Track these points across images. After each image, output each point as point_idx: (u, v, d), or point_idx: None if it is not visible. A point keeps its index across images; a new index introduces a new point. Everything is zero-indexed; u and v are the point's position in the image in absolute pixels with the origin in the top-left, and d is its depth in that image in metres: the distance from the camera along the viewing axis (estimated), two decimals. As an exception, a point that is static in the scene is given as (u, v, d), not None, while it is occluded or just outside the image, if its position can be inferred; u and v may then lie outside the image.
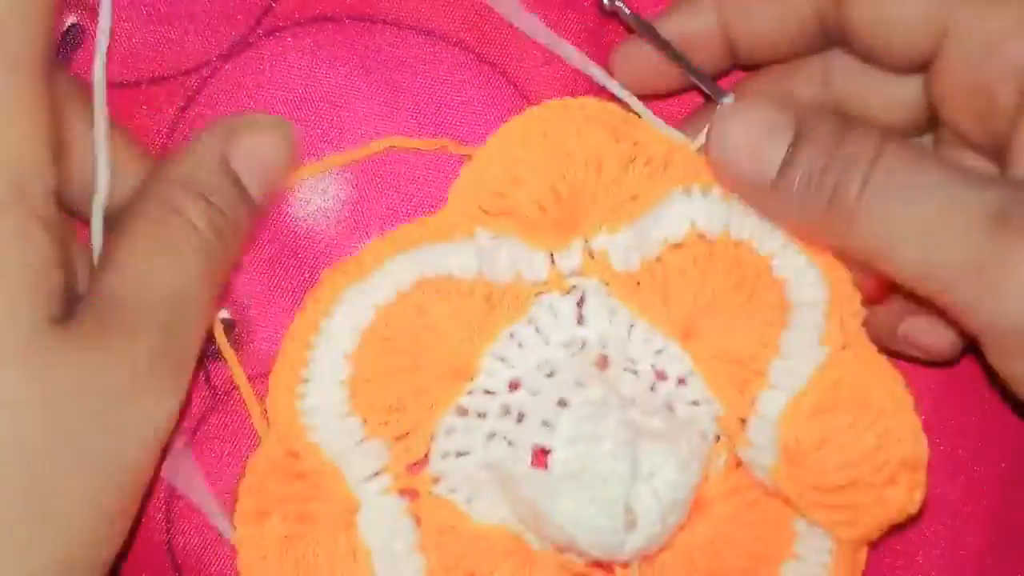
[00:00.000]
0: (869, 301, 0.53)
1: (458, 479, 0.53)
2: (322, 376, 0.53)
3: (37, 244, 0.43)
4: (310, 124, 0.57)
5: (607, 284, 0.53)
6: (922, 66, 0.52)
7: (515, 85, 0.58)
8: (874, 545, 0.55)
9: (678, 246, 0.52)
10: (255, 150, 0.50)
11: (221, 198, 0.49)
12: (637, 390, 0.54)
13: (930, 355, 0.55)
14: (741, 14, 0.54)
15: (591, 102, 0.54)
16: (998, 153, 0.51)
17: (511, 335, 0.53)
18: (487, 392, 0.53)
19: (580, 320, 0.54)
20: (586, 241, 0.53)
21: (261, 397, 0.54)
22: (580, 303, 0.54)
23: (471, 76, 0.58)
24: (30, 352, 0.43)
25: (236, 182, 0.50)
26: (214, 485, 0.55)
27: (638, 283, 0.53)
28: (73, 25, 0.56)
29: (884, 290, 0.53)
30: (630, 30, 0.56)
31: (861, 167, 0.48)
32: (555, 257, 0.53)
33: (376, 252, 0.53)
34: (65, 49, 0.56)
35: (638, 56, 0.56)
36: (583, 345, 0.54)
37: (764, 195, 0.50)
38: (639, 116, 0.54)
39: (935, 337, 0.54)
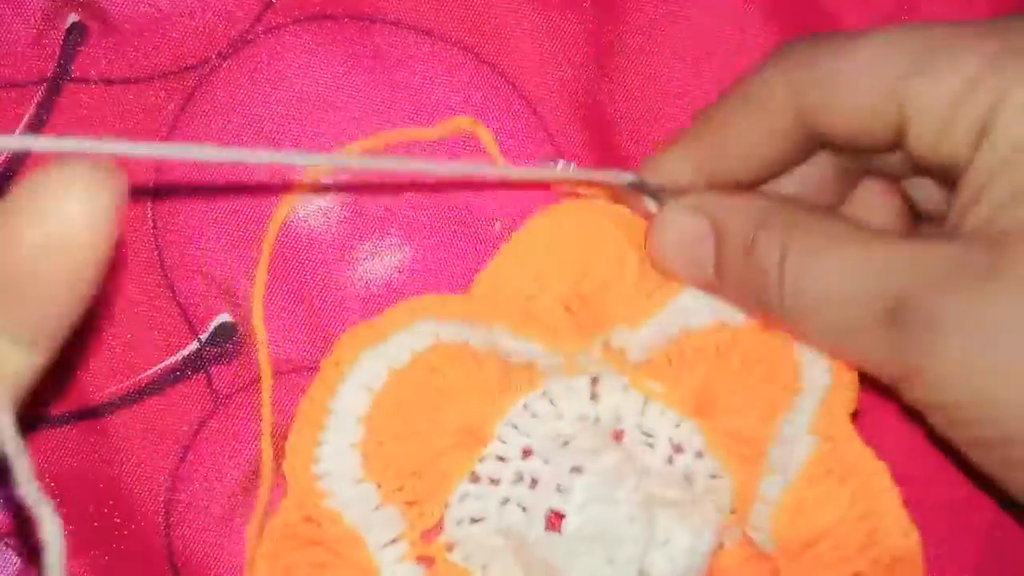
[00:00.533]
0: None
1: (473, 546, 0.53)
2: (336, 440, 0.52)
3: None
4: (308, 122, 0.57)
5: (627, 377, 0.54)
6: (899, 141, 0.51)
7: (515, 85, 0.58)
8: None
9: (699, 334, 0.53)
10: None
11: None
12: (654, 462, 0.54)
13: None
14: (716, 162, 0.53)
15: (604, 204, 0.55)
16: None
17: (525, 406, 0.53)
18: (500, 459, 0.53)
19: (593, 396, 0.54)
20: (603, 339, 0.53)
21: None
22: (594, 382, 0.54)
23: (471, 76, 0.58)
24: None
25: None
26: (214, 488, 0.55)
27: (651, 365, 0.53)
28: (75, 24, 0.56)
29: None
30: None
31: (776, 240, 0.49)
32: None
33: (394, 318, 0.53)
34: (67, 48, 0.56)
35: None
36: (597, 419, 0.54)
37: (713, 291, 0.52)
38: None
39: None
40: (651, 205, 0.54)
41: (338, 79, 0.57)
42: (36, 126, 0.56)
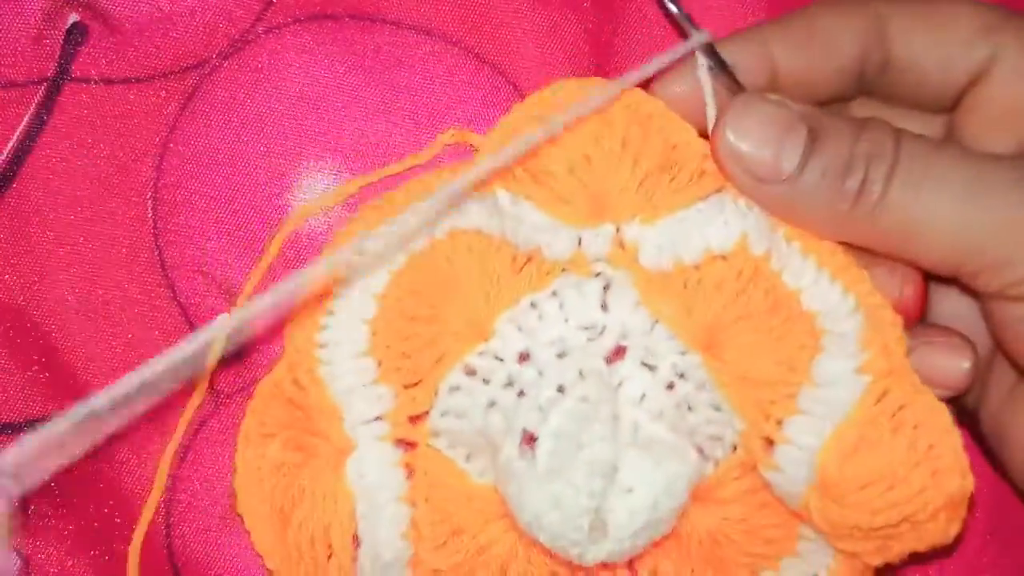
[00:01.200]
0: (908, 321, 0.52)
1: (456, 436, 0.53)
2: (349, 312, 0.53)
3: None
4: (308, 122, 0.57)
5: (635, 279, 0.52)
6: (957, 97, 0.54)
7: (515, 85, 0.58)
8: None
9: (722, 257, 0.51)
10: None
11: None
12: (651, 388, 0.52)
13: (943, 386, 0.52)
14: (790, 52, 0.54)
15: (638, 93, 0.52)
16: None
17: (532, 304, 0.52)
18: (497, 358, 0.52)
19: (604, 306, 0.52)
20: (617, 229, 0.51)
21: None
22: (606, 289, 0.53)
23: (471, 76, 0.58)
24: None
25: None
26: (214, 488, 0.55)
27: (667, 284, 0.52)
28: (76, 23, 0.56)
29: (921, 307, 0.53)
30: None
31: (884, 162, 0.49)
32: (582, 239, 0.52)
33: (408, 192, 0.53)
34: (68, 48, 0.56)
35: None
36: (603, 330, 0.52)
37: (778, 191, 0.50)
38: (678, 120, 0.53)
39: (946, 366, 0.53)
40: (708, 92, 0.52)
41: (338, 79, 0.57)
42: (37, 126, 0.56)
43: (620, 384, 0.52)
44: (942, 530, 0.50)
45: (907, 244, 0.50)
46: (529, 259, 0.52)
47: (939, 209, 0.49)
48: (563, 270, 0.52)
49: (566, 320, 0.52)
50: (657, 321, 0.52)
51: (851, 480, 0.49)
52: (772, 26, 0.54)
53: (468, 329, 0.52)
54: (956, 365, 0.52)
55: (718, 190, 0.51)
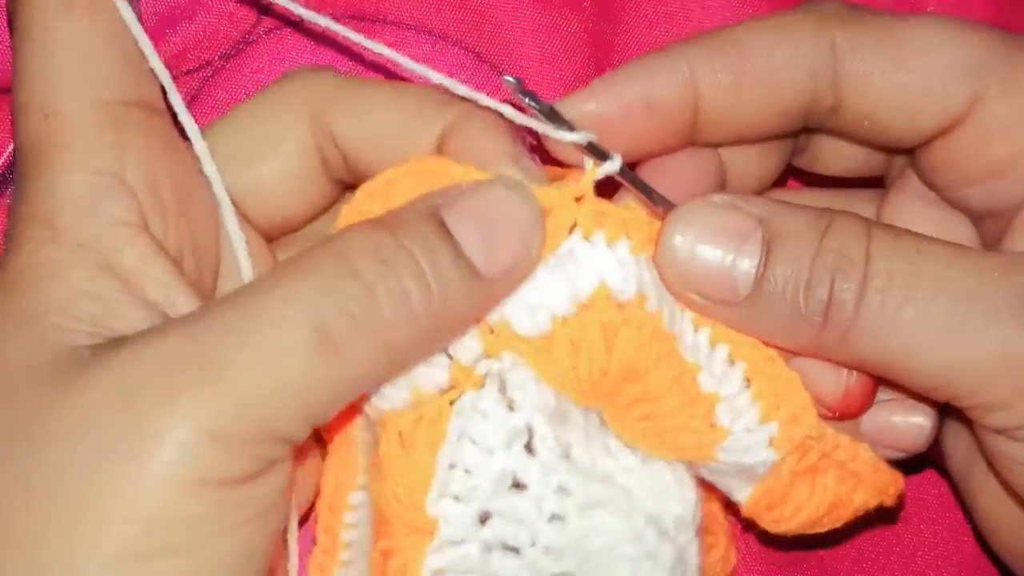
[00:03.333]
0: (849, 414, 0.48)
1: None
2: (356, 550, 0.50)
3: (61, 275, 0.42)
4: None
5: (520, 355, 0.46)
6: (920, 143, 0.48)
7: (515, 85, 0.58)
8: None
9: (585, 306, 0.45)
10: (483, 209, 0.43)
11: (423, 250, 0.42)
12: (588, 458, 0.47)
13: (900, 449, 0.49)
14: (717, 88, 0.47)
15: (434, 162, 0.47)
16: (984, 217, 0.49)
17: (451, 465, 0.45)
18: (454, 543, 0.45)
19: (511, 406, 0.46)
20: (477, 320, 0.46)
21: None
22: (502, 389, 0.46)
23: (471, 76, 0.58)
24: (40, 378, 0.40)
25: (442, 230, 0.42)
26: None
27: (553, 345, 0.46)
28: None
29: (869, 400, 0.48)
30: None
31: (854, 271, 0.43)
32: (451, 353, 0.46)
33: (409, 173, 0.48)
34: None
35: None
36: (530, 434, 0.46)
37: (736, 312, 0.44)
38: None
39: (903, 424, 0.49)
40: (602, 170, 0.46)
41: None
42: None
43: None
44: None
45: (886, 371, 0.44)
46: (417, 420, 0.46)
47: (922, 338, 0.42)
48: (451, 403, 0.46)
49: (491, 451, 0.45)
50: (558, 393, 0.47)
51: (785, 518, 0.49)
52: (697, 49, 0.47)
53: (411, 531, 0.45)
54: (915, 424, 0.48)
55: (569, 231, 0.46)
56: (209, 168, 0.47)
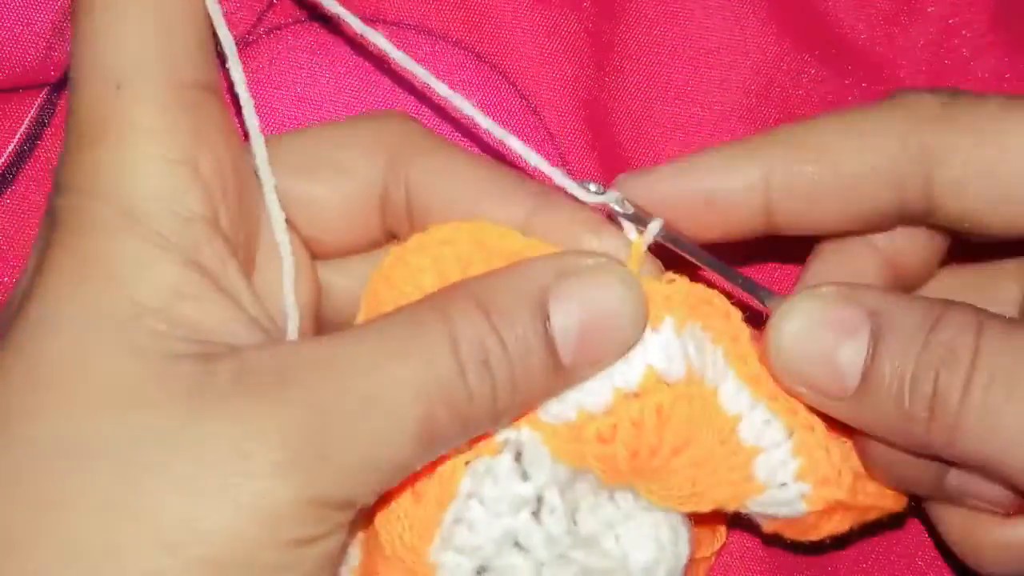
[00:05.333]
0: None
1: None
2: None
3: (151, 273, 0.41)
4: (309, 122, 0.57)
5: (539, 433, 0.46)
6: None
7: (515, 85, 0.58)
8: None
9: (634, 395, 0.45)
10: (590, 301, 0.43)
11: (516, 338, 0.42)
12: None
13: (989, 504, 0.47)
14: (793, 192, 0.45)
15: (495, 230, 0.47)
16: None
17: (456, 520, 0.46)
18: None
19: (524, 476, 0.46)
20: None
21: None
22: (518, 457, 0.46)
23: (471, 76, 0.58)
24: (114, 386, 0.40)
25: (543, 327, 0.42)
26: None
27: (577, 434, 0.46)
28: None
29: None
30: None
31: (960, 365, 0.41)
32: None
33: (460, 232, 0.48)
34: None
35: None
36: (540, 503, 0.46)
37: (845, 406, 0.44)
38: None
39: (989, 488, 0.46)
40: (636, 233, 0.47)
41: (338, 79, 0.57)
42: (38, 128, 0.56)
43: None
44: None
45: (990, 470, 0.42)
46: (429, 476, 0.46)
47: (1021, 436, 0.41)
48: (467, 463, 0.46)
49: (497, 515, 0.46)
50: (576, 470, 0.47)
51: (805, 538, 0.50)
52: (772, 147, 0.46)
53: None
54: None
55: None
56: (262, 163, 0.46)
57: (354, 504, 0.41)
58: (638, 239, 0.47)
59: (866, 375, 0.42)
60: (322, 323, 0.50)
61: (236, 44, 0.56)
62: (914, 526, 0.57)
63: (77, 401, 0.39)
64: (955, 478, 0.46)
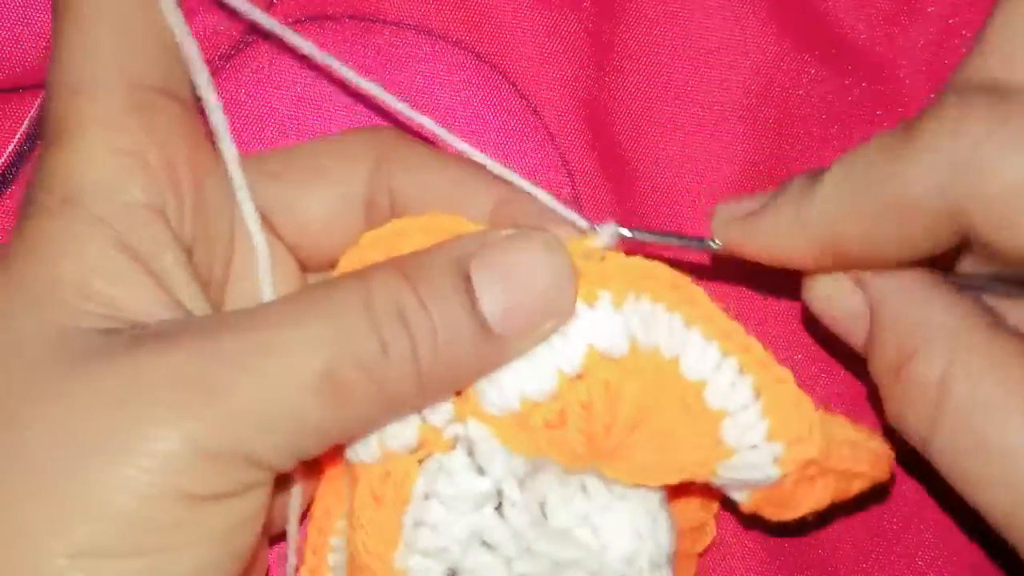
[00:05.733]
0: None
1: None
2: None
3: (75, 250, 0.42)
4: (309, 122, 0.57)
5: (486, 426, 0.45)
6: None
7: (515, 85, 0.58)
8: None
9: (578, 377, 0.45)
10: (512, 266, 0.43)
11: (435, 299, 0.42)
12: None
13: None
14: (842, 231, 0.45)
15: (448, 219, 0.47)
16: None
17: (416, 524, 0.45)
18: None
19: (480, 470, 0.45)
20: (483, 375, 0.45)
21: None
22: (471, 453, 0.46)
23: (471, 76, 0.58)
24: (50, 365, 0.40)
25: (464, 292, 0.42)
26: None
27: (523, 423, 0.45)
28: None
29: None
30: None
31: (931, 380, 0.44)
32: (423, 412, 0.46)
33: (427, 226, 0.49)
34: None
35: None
36: (500, 496, 0.45)
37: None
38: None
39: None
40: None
41: (336, 81, 0.57)
42: (38, 128, 0.56)
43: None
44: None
45: (960, 474, 0.44)
46: (385, 478, 0.46)
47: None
48: (420, 461, 0.46)
49: (460, 513, 0.45)
50: (538, 460, 0.46)
51: (785, 515, 0.49)
52: (833, 199, 0.44)
53: None
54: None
55: None
56: (231, 158, 0.47)
57: (262, 463, 0.41)
58: (580, 238, 0.47)
59: (868, 346, 0.46)
60: None
61: (236, 44, 0.57)
62: (914, 526, 0.57)
63: None
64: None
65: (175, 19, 0.45)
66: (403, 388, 0.42)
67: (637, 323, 0.45)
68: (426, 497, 0.45)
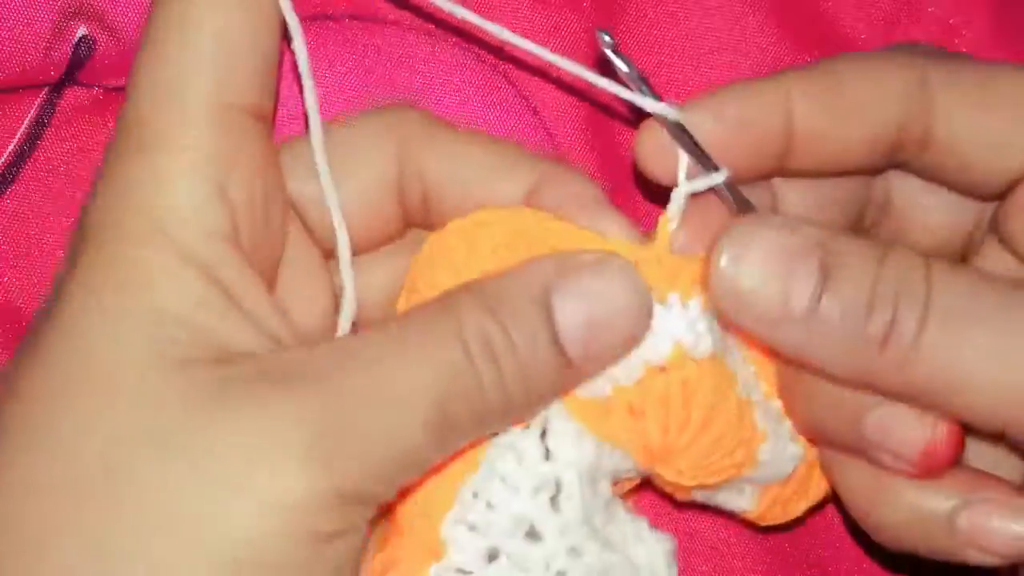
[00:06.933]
0: (931, 473, 0.46)
1: None
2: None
3: (175, 282, 0.42)
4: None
5: (570, 409, 0.47)
6: (1006, 188, 0.48)
7: (515, 85, 0.58)
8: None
9: (661, 369, 0.46)
10: (592, 297, 0.44)
11: (521, 334, 0.43)
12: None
13: (995, 555, 0.46)
14: (814, 110, 0.48)
15: (531, 213, 0.48)
16: None
17: (475, 495, 0.46)
18: (461, 572, 0.46)
19: (547, 455, 0.46)
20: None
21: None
22: (543, 435, 0.46)
23: (471, 76, 0.58)
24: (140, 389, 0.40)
25: (547, 323, 0.43)
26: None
27: (608, 409, 0.47)
28: (84, 37, 0.56)
29: (957, 449, 0.46)
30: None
31: (916, 302, 0.43)
32: None
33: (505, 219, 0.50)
34: (75, 59, 0.56)
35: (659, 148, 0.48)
36: (558, 487, 0.46)
37: (787, 333, 0.44)
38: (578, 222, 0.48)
39: (1002, 529, 0.46)
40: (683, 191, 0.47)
41: (338, 79, 0.57)
42: (39, 128, 0.56)
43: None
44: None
45: (944, 398, 0.43)
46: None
47: (984, 361, 0.42)
48: (492, 434, 0.46)
49: (516, 492, 0.46)
50: (602, 443, 0.47)
51: (790, 512, 0.51)
52: (795, 75, 0.48)
53: (421, 550, 0.46)
54: (1014, 531, 0.45)
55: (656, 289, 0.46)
56: (330, 193, 0.48)
57: (374, 499, 0.42)
58: (664, 218, 0.48)
59: (815, 298, 0.43)
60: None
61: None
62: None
63: (99, 407, 0.40)
64: (875, 422, 0.45)
65: (295, 30, 0.46)
66: (494, 416, 0.43)
67: (716, 327, 0.46)
68: (490, 470, 0.46)
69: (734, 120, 0.48)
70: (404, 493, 0.46)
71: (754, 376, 0.48)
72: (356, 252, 0.49)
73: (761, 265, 0.43)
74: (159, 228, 0.42)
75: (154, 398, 0.40)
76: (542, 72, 0.58)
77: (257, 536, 0.39)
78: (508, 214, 0.48)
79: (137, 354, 0.40)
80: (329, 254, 0.50)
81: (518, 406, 0.44)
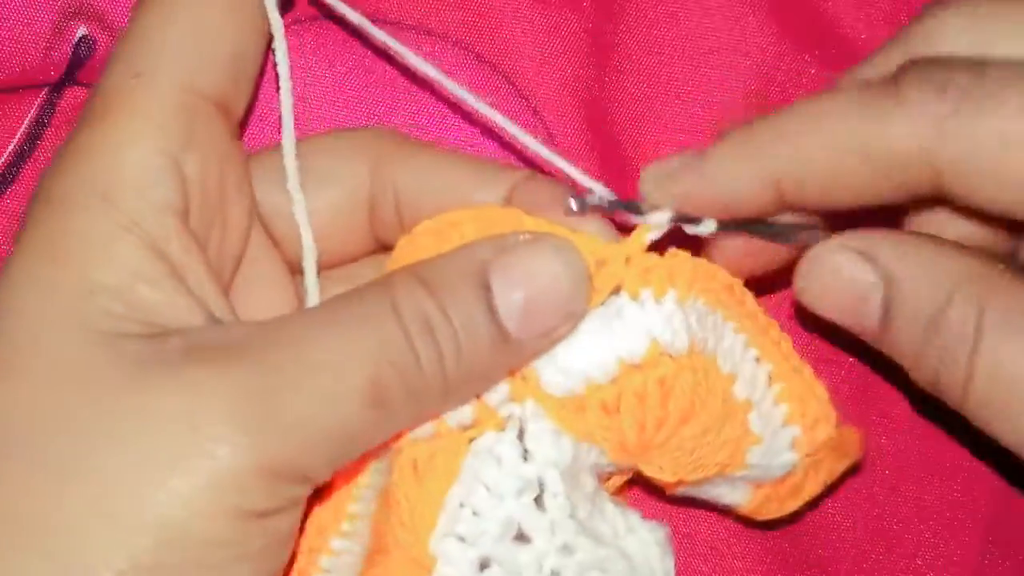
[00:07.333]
0: None
1: None
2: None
3: (113, 253, 0.42)
4: (309, 123, 0.57)
5: (544, 407, 0.46)
6: None
7: (515, 85, 0.58)
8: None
9: (636, 367, 0.46)
10: (529, 273, 0.44)
11: (457, 310, 0.43)
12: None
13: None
14: (805, 172, 0.45)
15: (502, 211, 0.48)
16: None
17: (460, 504, 0.45)
18: None
19: (525, 456, 0.46)
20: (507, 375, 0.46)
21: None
22: (521, 436, 0.46)
23: (471, 76, 0.58)
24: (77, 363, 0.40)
25: (484, 300, 0.43)
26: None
27: (582, 407, 0.46)
28: (84, 37, 0.56)
29: None
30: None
31: (966, 337, 0.43)
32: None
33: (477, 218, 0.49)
34: (75, 59, 0.56)
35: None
36: (541, 487, 0.46)
37: (876, 340, 0.46)
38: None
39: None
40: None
41: (339, 79, 0.57)
42: (39, 128, 0.57)
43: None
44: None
45: (996, 426, 0.44)
46: (431, 453, 0.46)
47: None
48: (470, 440, 0.46)
49: (501, 498, 0.45)
50: (579, 443, 0.47)
51: (784, 509, 0.51)
52: (776, 144, 0.45)
53: (411, 566, 0.45)
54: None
55: (615, 291, 0.46)
56: (296, 199, 0.48)
57: (309, 477, 0.41)
58: (641, 228, 0.47)
59: (883, 324, 0.45)
60: None
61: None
62: (914, 526, 0.57)
63: (25, 377, 0.40)
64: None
65: (278, 30, 0.47)
66: (432, 394, 0.43)
67: (695, 321, 0.46)
68: (473, 479, 0.46)
69: (716, 204, 0.47)
70: (387, 508, 0.46)
71: (760, 368, 0.48)
72: (322, 267, 0.50)
73: (828, 299, 0.46)
74: (106, 196, 0.42)
75: (77, 373, 0.40)
76: (542, 72, 0.58)
77: (185, 514, 0.39)
78: (479, 212, 0.48)
79: (63, 328, 0.40)
80: (295, 269, 0.50)
81: (457, 384, 0.43)
